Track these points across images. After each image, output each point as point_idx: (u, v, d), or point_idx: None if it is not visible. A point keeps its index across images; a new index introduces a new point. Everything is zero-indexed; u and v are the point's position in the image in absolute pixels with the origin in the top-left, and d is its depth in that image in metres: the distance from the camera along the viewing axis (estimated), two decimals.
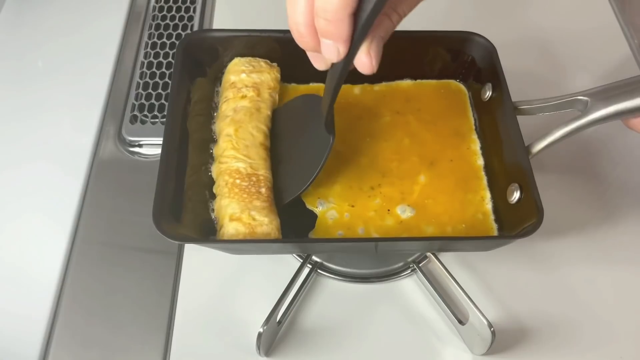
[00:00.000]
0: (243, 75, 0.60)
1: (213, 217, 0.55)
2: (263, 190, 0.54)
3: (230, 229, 0.52)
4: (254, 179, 0.54)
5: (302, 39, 0.40)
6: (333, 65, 0.44)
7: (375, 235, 0.55)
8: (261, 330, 0.51)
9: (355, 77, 0.63)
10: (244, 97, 0.59)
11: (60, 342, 0.56)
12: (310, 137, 0.55)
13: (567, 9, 0.83)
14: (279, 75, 0.62)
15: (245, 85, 0.60)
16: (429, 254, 0.59)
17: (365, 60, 0.41)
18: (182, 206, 0.53)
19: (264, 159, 0.57)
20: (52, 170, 0.67)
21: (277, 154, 0.58)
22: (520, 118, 0.56)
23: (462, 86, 0.65)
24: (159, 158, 0.52)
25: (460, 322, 0.55)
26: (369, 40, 0.41)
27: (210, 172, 0.58)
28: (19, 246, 0.62)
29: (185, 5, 0.83)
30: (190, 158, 0.56)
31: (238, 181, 0.54)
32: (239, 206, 0.52)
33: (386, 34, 0.43)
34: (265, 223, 0.52)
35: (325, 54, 0.40)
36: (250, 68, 0.61)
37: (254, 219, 0.52)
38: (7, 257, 0.61)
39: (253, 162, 0.55)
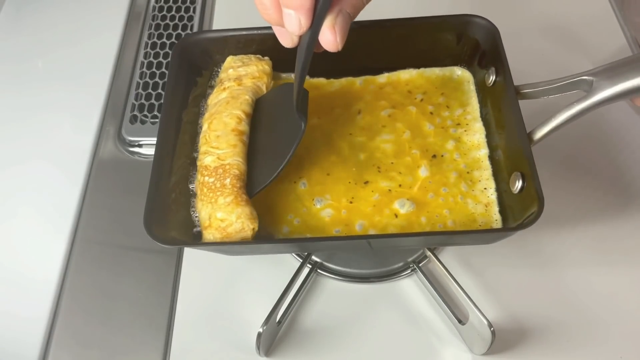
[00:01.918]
0: (230, 71, 0.59)
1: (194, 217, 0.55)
2: (227, 181, 0.52)
3: (208, 236, 0.51)
4: (220, 171, 0.52)
5: (265, 11, 0.40)
6: (300, 42, 0.43)
7: (373, 231, 0.55)
8: (261, 330, 0.51)
9: (358, 69, 0.64)
10: (224, 89, 0.58)
11: (60, 343, 0.57)
12: (285, 126, 0.54)
13: (567, 8, 0.83)
14: (268, 68, 0.60)
15: (229, 79, 0.59)
16: (428, 253, 0.58)
17: (330, 37, 0.41)
18: (174, 209, 0.53)
19: (234, 145, 0.54)
20: (51, 170, 0.67)
21: (254, 145, 0.56)
22: (524, 103, 0.54)
23: (466, 72, 0.63)
24: None
25: (460, 321, 0.55)
26: (334, 14, 0.40)
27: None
28: (19, 246, 0.62)
29: (185, 5, 0.83)
30: (180, 161, 0.56)
31: (206, 178, 0.53)
32: (207, 211, 0.51)
33: (354, 11, 0.42)
34: (233, 220, 0.50)
35: (288, 25, 0.40)
36: (239, 63, 0.60)
37: (222, 221, 0.50)
38: (6, 257, 0.61)
39: (221, 152, 0.53)
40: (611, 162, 0.67)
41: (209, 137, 0.55)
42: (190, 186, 0.56)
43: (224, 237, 0.50)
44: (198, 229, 0.53)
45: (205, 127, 0.56)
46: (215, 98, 0.58)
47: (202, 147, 0.55)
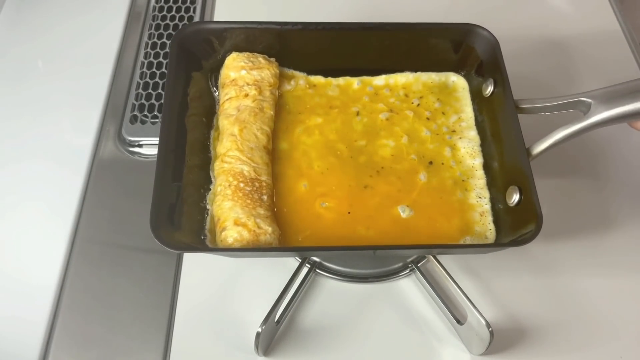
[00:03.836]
0: (243, 72, 0.60)
1: (208, 218, 0.56)
2: (265, 198, 0.55)
3: (234, 232, 0.52)
4: (256, 184, 0.55)
5: None
6: None
7: (374, 235, 0.55)
8: (259, 330, 0.52)
9: (356, 70, 0.65)
10: (246, 95, 0.59)
11: (60, 343, 0.57)
12: None
13: (567, 8, 0.83)
14: (277, 71, 0.62)
15: (247, 83, 0.60)
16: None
17: None
18: (179, 210, 0.53)
19: (267, 164, 0.57)
20: (52, 170, 0.67)
21: None
22: (521, 117, 0.55)
23: (462, 80, 0.64)
24: None
25: (458, 322, 0.55)
26: None
27: (205, 173, 0.58)
28: (19, 246, 0.62)
29: (185, 6, 0.83)
30: (186, 159, 0.56)
31: (242, 185, 0.54)
32: (244, 211, 0.53)
33: None
34: (269, 232, 0.52)
35: None
36: (250, 64, 0.61)
37: (259, 227, 0.52)
38: (7, 257, 0.61)
39: (257, 166, 0.56)
40: (603, 171, 0.68)
41: (241, 146, 0.56)
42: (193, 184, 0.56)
43: (252, 241, 0.51)
44: (202, 227, 0.54)
45: (234, 130, 0.57)
46: (237, 102, 0.59)
47: (233, 152, 0.56)
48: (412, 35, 0.62)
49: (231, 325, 0.57)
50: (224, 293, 0.59)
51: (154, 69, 0.76)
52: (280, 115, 0.62)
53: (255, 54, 0.62)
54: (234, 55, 0.62)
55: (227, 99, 0.60)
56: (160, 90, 0.74)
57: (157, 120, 0.71)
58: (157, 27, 0.81)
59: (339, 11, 0.81)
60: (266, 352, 0.55)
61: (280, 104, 0.62)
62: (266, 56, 0.62)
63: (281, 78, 0.63)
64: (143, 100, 0.73)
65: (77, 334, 0.57)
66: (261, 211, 0.54)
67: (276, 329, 0.56)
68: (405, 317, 0.58)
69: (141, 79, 0.75)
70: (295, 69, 0.65)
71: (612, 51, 0.78)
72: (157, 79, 0.75)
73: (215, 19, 0.82)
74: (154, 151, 0.70)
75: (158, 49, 0.78)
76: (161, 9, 0.83)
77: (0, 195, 0.65)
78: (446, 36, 0.62)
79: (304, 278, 0.59)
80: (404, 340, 0.57)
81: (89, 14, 0.82)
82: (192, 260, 0.61)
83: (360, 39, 0.62)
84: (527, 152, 0.53)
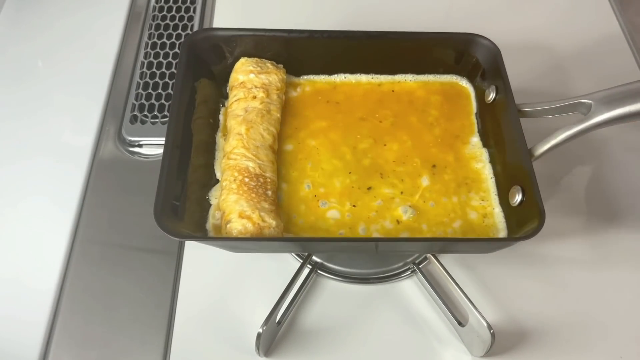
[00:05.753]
0: (252, 76, 0.61)
1: (212, 211, 0.56)
2: (269, 193, 0.55)
3: (238, 225, 0.52)
4: (261, 180, 0.55)
5: None
6: None
7: (376, 235, 0.55)
8: (260, 330, 0.52)
9: (359, 76, 0.65)
10: (254, 97, 0.60)
11: (60, 343, 0.56)
12: None
13: (567, 11, 0.84)
14: (285, 77, 0.63)
15: (255, 86, 0.61)
16: (428, 255, 0.59)
17: None
18: (181, 204, 0.53)
19: (272, 162, 0.58)
20: (52, 170, 0.67)
21: None
22: (523, 121, 0.56)
23: (465, 87, 0.65)
24: (159, 158, 0.52)
25: (459, 323, 0.55)
26: None
27: (209, 172, 0.59)
28: (19, 246, 0.62)
29: (186, 6, 0.83)
30: (192, 158, 0.57)
31: (247, 180, 0.55)
32: (249, 205, 0.53)
33: None
34: (273, 226, 0.53)
35: None
36: (258, 69, 0.62)
37: (263, 220, 0.53)
38: (7, 257, 0.61)
39: (262, 163, 0.57)
40: (604, 170, 0.68)
41: (247, 144, 0.57)
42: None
43: (256, 234, 0.52)
44: (209, 223, 0.55)
45: (241, 130, 0.58)
46: (245, 103, 0.60)
47: (239, 149, 0.57)
48: (414, 43, 0.64)
49: (232, 325, 0.57)
50: (224, 293, 0.59)
51: (154, 69, 0.76)
52: (285, 119, 0.63)
53: (264, 59, 0.63)
54: (242, 60, 0.63)
55: (235, 100, 0.61)
56: (160, 90, 0.74)
57: (157, 120, 0.71)
58: (157, 27, 0.81)
59: (337, 15, 0.81)
60: (267, 353, 0.55)
61: (286, 109, 0.63)
62: (274, 62, 0.63)
63: (287, 85, 0.64)
64: (143, 100, 0.73)
65: (77, 334, 0.57)
66: (266, 205, 0.54)
67: (277, 330, 0.56)
68: (406, 319, 0.58)
69: (141, 79, 0.75)
70: (301, 75, 0.66)
71: (613, 52, 0.78)
72: (157, 79, 0.75)
73: (216, 19, 0.82)
74: (154, 151, 0.69)
75: (158, 49, 0.78)
76: (161, 9, 0.83)
77: (0, 196, 0.65)
78: (448, 45, 0.63)
79: (305, 279, 0.59)
80: (404, 341, 0.57)
81: (89, 13, 0.82)
82: (192, 260, 0.61)
83: (364, 46, 0.63)
84: (530, 152, 0.54)
